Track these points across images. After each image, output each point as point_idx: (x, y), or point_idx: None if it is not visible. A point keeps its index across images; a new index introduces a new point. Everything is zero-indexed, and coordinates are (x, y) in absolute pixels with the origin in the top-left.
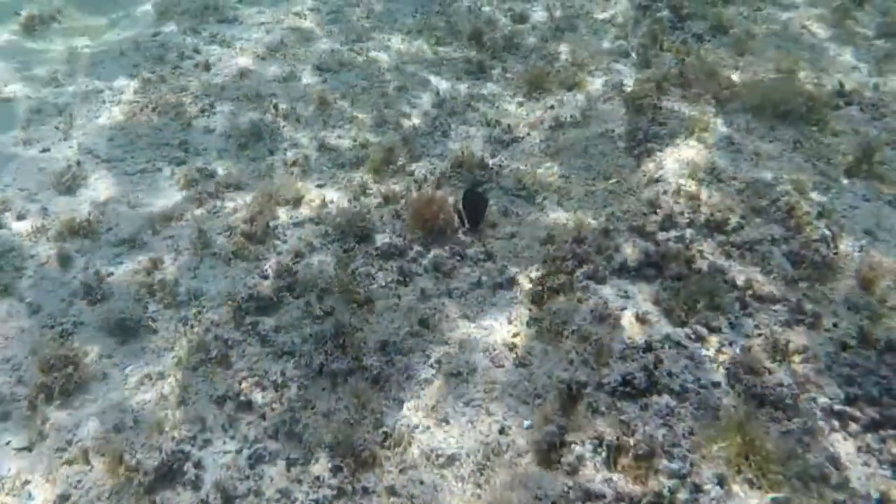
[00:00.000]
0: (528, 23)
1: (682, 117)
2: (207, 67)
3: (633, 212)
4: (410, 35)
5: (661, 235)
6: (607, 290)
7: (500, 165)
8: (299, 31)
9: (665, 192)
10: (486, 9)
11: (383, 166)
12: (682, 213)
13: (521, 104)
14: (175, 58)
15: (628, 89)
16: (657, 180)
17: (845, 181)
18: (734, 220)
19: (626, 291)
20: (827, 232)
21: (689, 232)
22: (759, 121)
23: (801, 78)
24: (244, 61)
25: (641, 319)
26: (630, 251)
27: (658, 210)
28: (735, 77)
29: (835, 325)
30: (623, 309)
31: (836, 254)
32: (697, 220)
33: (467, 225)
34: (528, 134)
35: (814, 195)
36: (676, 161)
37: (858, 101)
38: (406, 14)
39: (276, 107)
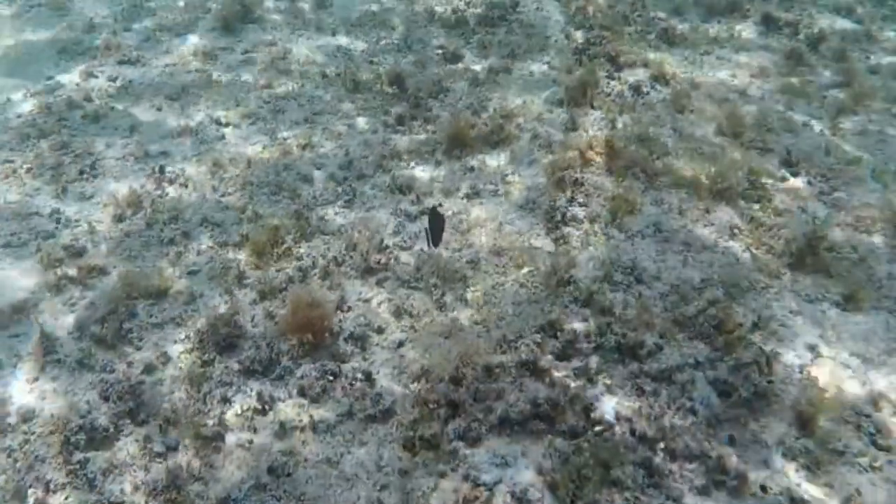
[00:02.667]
0: (461, 63)
1: (605, 195)
2: (97, 119)
3: (530, 341)
4: (326, 80)
5: (557, 371)
6: (481, 455)
7: (401, 246)
8: (205, 73)
9: (575, 300)
10: (417, 46)
11: (267, 248)
12: (587, 336)
13: (439, 163)
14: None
15: (556, 150)
16: (568, 282)
17: (787, 276)
18: (651, 340)
19: (503, 457)
20: (761, 352)
21: (594, 361)
22: (693, 200)
23: (744, 142)
24: (139, 112)
25: (519, 499)
26: (516, 398)
27: (559, 333)
28: (670, 143)
29: (763, 488)
30: (497, 483)
31: (770, 382)
32: (606, 344)
33: (431, 246)
34: (440, 204)
35: (749, 297)
36: (591, 257)
37: (807, 170)
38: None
39: (161, 169)
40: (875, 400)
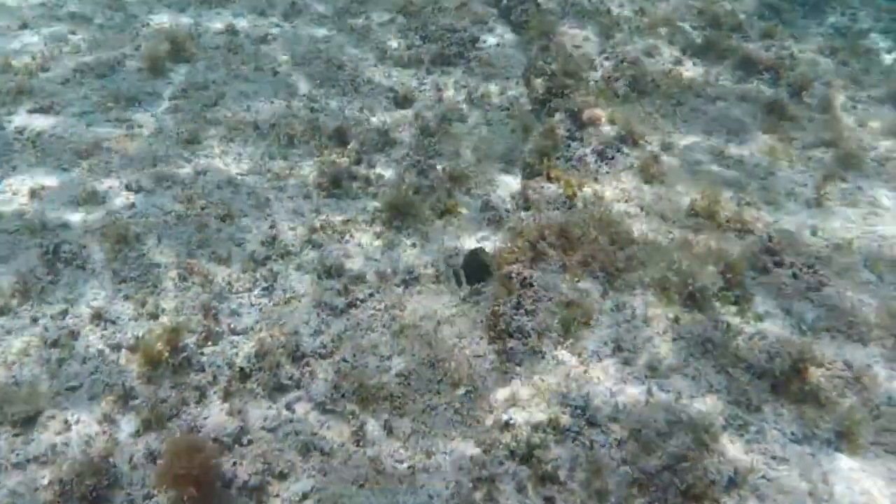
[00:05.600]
0: (412, 108)
1: (557, 300)
2: None
3: None
4: (259, 132)
5: None
6: None
7: (320, 353)
8: (124, 123)
9: (512, 454)
10: (365, 88)
11: (163, 354)
12: None
13: (377, 235)
14: None
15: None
16: (506, 425)
17: (769, 405)
18: None
19: None
20: None
21: None
22: (659, 304)
23: (721, 219)
24: (39, 175)
25: None
26: None
27: None
28: (635, 228)
29: None
30: None
31: None
32: None
33: (464, 284)
34: (372, 295)
35: (725, 439)
36: (535, 391)
37: (791, 260)
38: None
39: (55, 249)
40: None
